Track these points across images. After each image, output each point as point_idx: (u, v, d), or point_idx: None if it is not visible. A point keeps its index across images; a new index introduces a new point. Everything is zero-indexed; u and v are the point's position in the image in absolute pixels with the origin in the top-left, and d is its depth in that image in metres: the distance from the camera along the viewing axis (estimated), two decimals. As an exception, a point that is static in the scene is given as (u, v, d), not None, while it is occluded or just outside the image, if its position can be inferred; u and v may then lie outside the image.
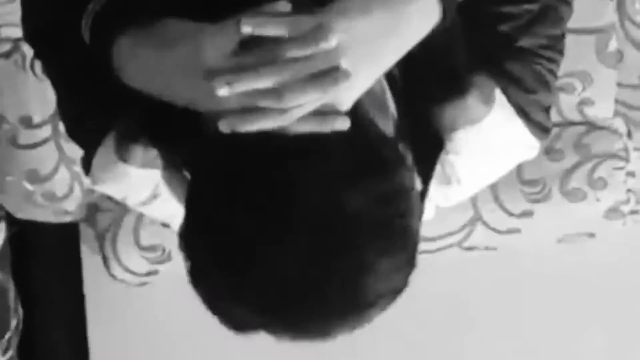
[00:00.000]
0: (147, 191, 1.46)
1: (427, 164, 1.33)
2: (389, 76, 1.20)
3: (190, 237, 1.19)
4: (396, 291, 1.15)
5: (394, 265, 1.14)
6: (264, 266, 1.12)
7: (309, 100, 1.09)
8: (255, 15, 1.09)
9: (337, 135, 1.13)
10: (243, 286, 1.14)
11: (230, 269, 1.14)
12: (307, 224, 1.11)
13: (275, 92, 1.08)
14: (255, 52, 1.09)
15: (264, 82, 1.08)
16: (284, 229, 1.11)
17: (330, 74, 1.10)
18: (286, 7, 1.09)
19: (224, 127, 1.09)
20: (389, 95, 1.24)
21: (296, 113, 1.10)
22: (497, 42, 1.33)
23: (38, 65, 1.89)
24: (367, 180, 1.14)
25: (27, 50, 1.90)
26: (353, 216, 1.12)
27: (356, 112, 1.15)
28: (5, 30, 1.93)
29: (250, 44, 1.09)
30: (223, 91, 1.07)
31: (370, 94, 1.18)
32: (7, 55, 1.94)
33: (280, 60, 1.08)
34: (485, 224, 2.02)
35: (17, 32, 1.82)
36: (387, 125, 1.22)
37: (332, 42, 1.08)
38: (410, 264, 1.16)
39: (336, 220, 1.12)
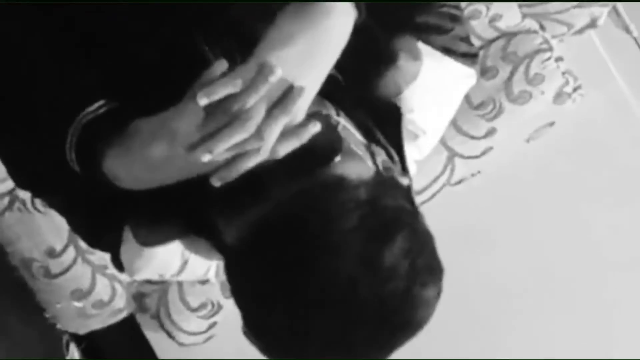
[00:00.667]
0: (177, 261, 1.46)
1: (393, 133, 1.35)
2: (332, 79, 1.23)
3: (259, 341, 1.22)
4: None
5: (437, 289, 1.20)
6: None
7: (281, 126, 1.11)
8: (205, 86, 1.10)
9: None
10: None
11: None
12: (368, 308, 1.15)
13: (254, 134, 1.10)
14: (220, 114, 1.11)
15: (238, 136, 1.10)
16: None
17: (287, 96, 1.12)
18: (223, 65, 1.11)
19: (216, 182, 1.12)
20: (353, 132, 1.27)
21: (271, 141, 1.11)
22: (401, 2, 1.35)
23: (38, 201, 1.91)
24: (393, 243, 1.16)
25: (24, 194, 1.92)
26: (396, 276, 1.16)
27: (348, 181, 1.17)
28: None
29: (213, 106, 1.10)
30: (207, 157, 1.09)
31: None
32: (9, 207, 1.96)
33: (244, 111, 1.10)
34: (461, 156, 2.07)
35: (8, 185, 1.84)
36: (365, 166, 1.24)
37: (277, 73, 1.10)
38: (441, 274, 1.22)
39: (389, 292, 1.15)
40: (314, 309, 1.15)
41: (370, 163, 1.24)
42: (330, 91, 1.22)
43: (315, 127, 1.14)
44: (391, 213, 1.18)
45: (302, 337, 1.17)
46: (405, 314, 1.18)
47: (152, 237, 1.36)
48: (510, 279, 2.34)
